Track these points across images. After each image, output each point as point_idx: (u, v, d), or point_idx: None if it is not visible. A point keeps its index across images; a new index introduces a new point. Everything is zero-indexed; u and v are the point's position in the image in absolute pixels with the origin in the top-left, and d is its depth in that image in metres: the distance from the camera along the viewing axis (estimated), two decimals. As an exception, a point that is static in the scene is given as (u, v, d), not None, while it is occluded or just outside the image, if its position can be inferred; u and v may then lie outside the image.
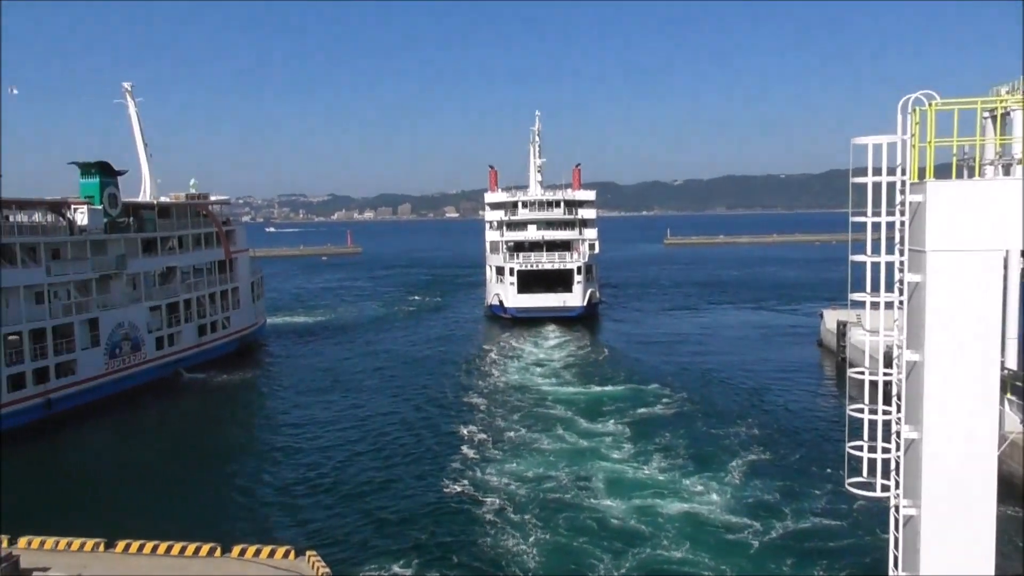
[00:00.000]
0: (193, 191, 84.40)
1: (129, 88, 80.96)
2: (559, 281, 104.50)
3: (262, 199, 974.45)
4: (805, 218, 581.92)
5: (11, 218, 60.72)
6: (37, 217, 64.59)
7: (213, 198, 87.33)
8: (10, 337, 56.07)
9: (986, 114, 31.48)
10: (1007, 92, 46.27)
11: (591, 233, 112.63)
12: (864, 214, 16.55)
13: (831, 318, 79.15)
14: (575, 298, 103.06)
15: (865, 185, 16.35)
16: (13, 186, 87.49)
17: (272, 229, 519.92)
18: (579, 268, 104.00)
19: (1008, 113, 41.43)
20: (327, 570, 26.80)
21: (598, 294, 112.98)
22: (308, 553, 28.20)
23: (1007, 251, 16.24)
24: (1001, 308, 16.11)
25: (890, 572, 17.80)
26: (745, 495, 40.24)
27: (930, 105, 16.07)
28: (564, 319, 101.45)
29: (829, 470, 42.10)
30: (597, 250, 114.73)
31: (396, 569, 33.15)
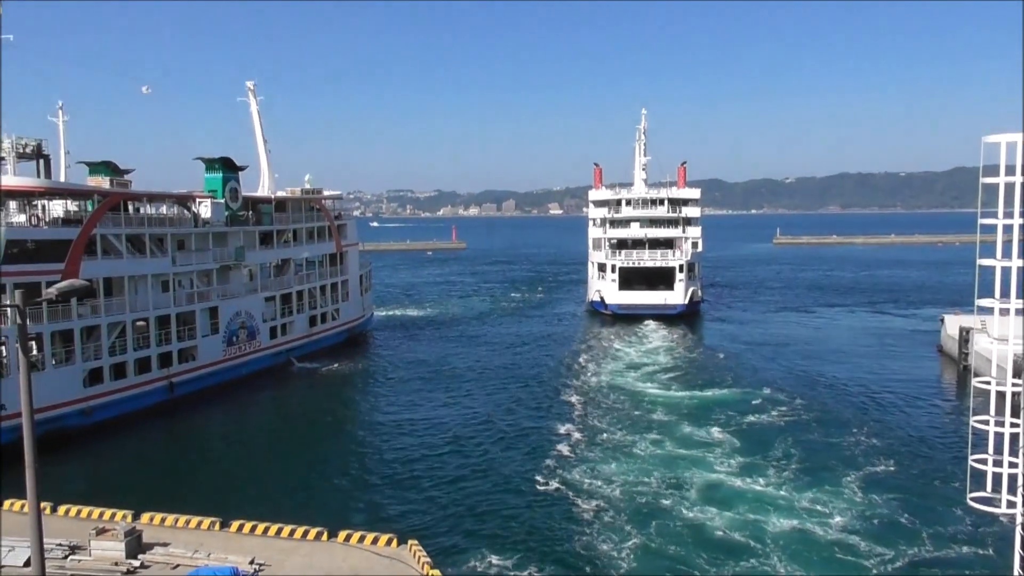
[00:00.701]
0: (308, 186, 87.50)
1: (252, 87, 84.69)
2: (661, 279, 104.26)
3: (371, 194, 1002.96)
4: (927, 218, 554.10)
5: (142, 210, 64.62)
6: (164, 209, 68.46)
7: (326, 193, 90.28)
8: (138, 323, 59.73)
9: None
10: None
11: (694, 231, 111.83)
12: (994, 215, 15.57)
13: (953, 324, 75.15)
14: (676, 296, 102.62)
15: (996, 185, 15.37)
16: (144, 179, 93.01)
17: (375, 224, 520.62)
18: (681, 266, 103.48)
19: None
20: (428, 559, 27.30)
21: (700, 292, 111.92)
22: (410, 542, 28.82)
23: None
24: None
25: (1015, 595, 16.75)
26: (861, 511, 38.32)
27: (1070, 100, 15.00)
28: (664, 317, 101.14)
29: (957, 484, 39.79)
30: (700, 248, 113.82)
31: (494, 561, 33.52)
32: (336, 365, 76.88)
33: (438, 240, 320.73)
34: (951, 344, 74.52)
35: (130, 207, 62.44)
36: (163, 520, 30.96)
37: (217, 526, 30.49)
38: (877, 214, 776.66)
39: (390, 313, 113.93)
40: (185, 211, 68.78)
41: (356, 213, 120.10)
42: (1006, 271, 15.79)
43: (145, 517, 31.07)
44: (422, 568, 26.75)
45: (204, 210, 69.14)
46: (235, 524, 30.54)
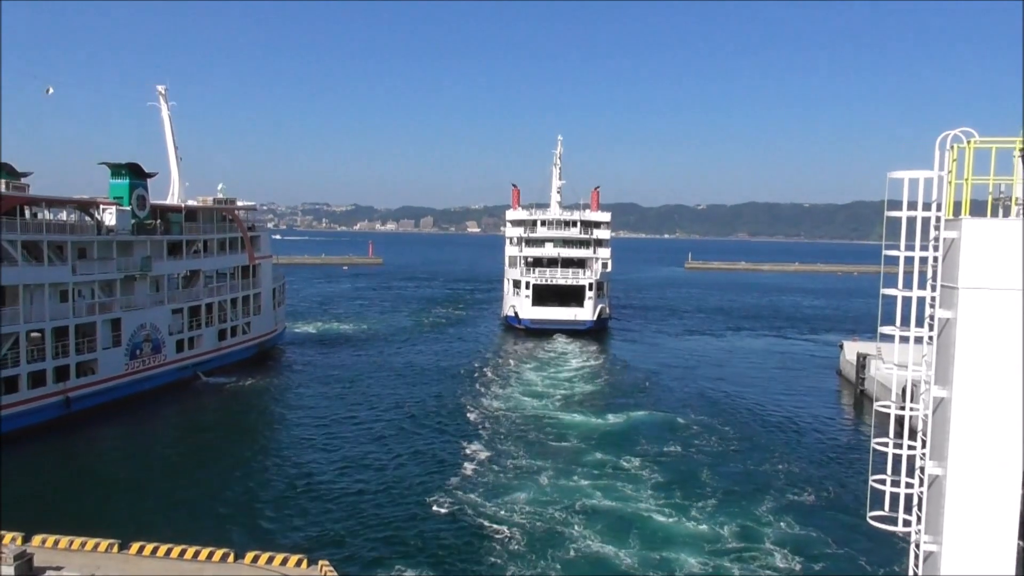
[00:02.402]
0: (221, 196, 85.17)
1: (163, 91, 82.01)
2: (572, 296, 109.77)
3: (286, 206, 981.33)
4: (828, 248, 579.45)
5: (40, 215, 61.52)
6: (65, 216, 65.35)
7: (240, 203, 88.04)
8: (32, 334, 56.68)
9: (1017, 154, 31.24)
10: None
11: (604, 252, 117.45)
12: (897, 247, 16.41)
13: (851, 350, 78.86)
14: (586, 312, 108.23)
15: (899, 219, 16.23)
16: (44, 184, 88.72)
17: (278, 236, 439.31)
18: (591, 284, 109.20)
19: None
20: (338, 581, 26.75)
21: (608, 310, 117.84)
22: (320, 562, 28.19)
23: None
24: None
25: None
26: (777, 540, 38.37)
27: (968, 143, 15.97)
28: (574, 332, 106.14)
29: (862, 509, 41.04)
30: (609, 268, 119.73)
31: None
32: (244, 381, 74.65)
33: (354, 255, 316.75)
34: (848, 369, 78.09)
35: (27, 212, 59.42)
36: (56, 542, 29.42)
37: (115, 548, 29.14)
38: (782, 242, 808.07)
39: (302, 328, 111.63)
40: (88, 218, 65.86)
41: (270, 225, 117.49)
42: (906, 300, 16.64)
43: (37, 539, 29.45)
44: (333, 590, 26.19)
45: (108, 217, 66.34)
46: (135, 546, 29.25)
